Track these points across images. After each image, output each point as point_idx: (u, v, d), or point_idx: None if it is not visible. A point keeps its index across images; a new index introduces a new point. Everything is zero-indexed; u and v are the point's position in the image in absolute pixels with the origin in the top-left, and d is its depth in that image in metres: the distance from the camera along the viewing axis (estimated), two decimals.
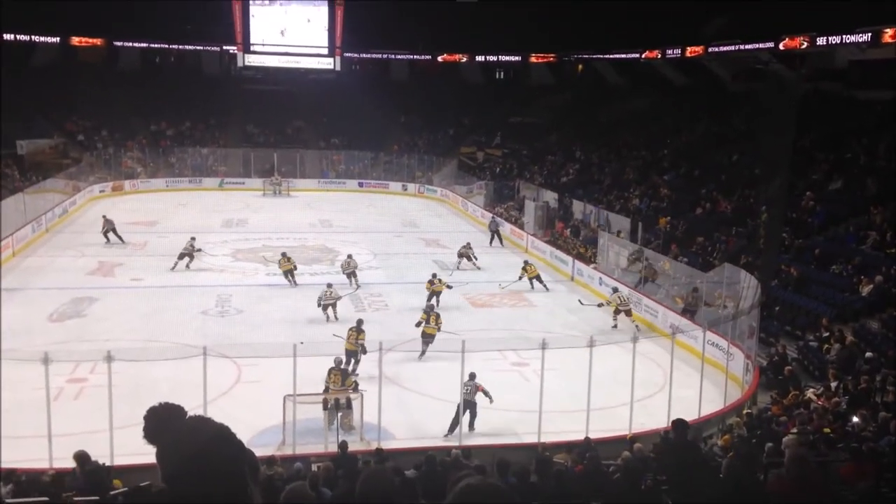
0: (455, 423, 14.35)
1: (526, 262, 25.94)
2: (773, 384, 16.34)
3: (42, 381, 12.21)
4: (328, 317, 20.89)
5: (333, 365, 14.65)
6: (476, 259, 27.72)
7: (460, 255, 27.60)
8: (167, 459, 2.09)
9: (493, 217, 34.74)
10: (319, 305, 20.90)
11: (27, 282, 24.16)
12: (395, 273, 26.85)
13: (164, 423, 2.17)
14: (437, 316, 18.80)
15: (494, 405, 14.71)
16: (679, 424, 8.53)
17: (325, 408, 13.63)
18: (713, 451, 12.30)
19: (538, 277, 25.28)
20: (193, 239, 26.61)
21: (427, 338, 18.16)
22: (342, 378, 14.42)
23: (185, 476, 2.03)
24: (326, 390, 14.25)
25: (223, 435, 2.12)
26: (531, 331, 19.55)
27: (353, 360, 16.54)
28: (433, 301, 21.12)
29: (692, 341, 17.98)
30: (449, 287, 22.56)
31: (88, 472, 9.33)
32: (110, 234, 29.88)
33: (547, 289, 25.17)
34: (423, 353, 18.12)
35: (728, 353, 17.07)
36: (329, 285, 21.56)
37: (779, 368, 16.67)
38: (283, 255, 24.95)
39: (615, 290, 22.33)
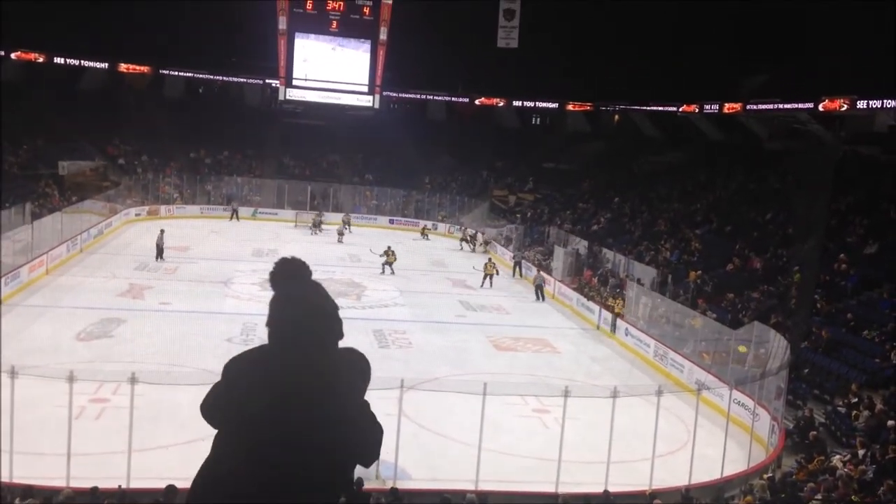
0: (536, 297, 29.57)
1: (388, 247, 33.03)
2: (798, 448, 16.01)
3: (65, 398, 12.30)
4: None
5: None
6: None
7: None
8: (276, 307, 2.24)
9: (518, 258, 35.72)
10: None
11: (58, 300, 24.49)
12: (421, 311, 26.84)
13: (289, 274, 2.28)
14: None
15: (511, 451, 14.55)
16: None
17: None
18: None
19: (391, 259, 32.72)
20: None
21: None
22: None
23: (281, 325, 2.21)
24: None
25: (332, 312, 2.25)
26: (554, 377, 19.36)
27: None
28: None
29: (718, 399, 17.71)
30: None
31: None
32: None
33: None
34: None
35: (754, 414, 16.76)
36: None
37: (805, 432, 16.33)
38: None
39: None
